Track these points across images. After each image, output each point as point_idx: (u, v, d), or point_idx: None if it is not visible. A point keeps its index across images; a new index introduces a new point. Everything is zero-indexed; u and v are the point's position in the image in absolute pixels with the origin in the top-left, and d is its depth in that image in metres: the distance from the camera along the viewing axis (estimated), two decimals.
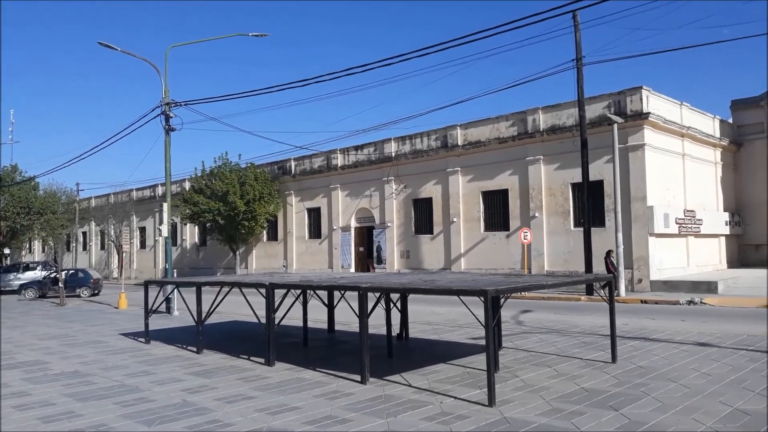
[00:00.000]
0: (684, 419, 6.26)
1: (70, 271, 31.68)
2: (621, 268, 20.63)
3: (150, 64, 22.56)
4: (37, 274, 35.02)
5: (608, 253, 21.17)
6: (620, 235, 20.72)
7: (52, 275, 30.34)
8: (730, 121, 30.05)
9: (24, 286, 30.77)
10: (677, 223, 23.81)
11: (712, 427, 5.96)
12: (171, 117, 21.98)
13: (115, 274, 48.50)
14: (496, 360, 8.89)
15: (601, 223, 23.30)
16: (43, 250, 57.73)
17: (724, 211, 28.27)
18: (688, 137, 25.57)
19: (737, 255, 29.14)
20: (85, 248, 55.33)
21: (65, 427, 6.65)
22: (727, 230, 27.84)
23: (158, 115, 22.24)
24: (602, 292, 10.05)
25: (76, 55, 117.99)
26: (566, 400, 7.15)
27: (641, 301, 19.25)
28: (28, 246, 58.14)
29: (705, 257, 26.22)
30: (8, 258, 55.67)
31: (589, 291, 20.49)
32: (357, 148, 32.91)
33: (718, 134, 28.06)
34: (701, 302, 18.15)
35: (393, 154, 30.77)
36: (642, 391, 7.46)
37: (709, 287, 20.12)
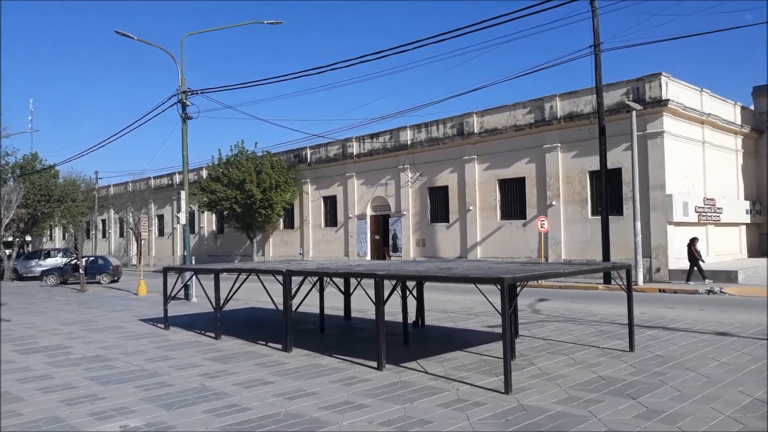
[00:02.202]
0: (702, 408, 6.22)
1: (90, 258, 32.10)
2: (639, 257, 20.46)
3: (166, 53, 22.68)
4: (58, 260, 35.56)
5: (692, 241, 20.32)
6: (638, 224, 20.55)
7: (73, 262, 30.77)
8: (752, 107, 29.53)
9: (45, 273, 31.26)
10: (696, 212, 23.53)
11: (731, 417, 5.92)
12: (188, 105, 22.09)
13: (134, 261, 49.09)
14: (513, 348, 8.88)
15: (619, 211, 23.09)
16: (64, 238, 58.54)
17: (745, 199, 27.87)
18: (708, 124, 25.19)
19: (758, 244, 28.74)
20: (104, 236, 56.03)
21: (87, 410, 6.77)
22: (747, 219, 27.46)
23: (175, 103, 22.38)
24: (620, 280, 9.98)
25: (94, 44, 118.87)
26: (583, 389, 7.13)
27: (659, 290, 19.10)
28: (49, 233, 59.01)
29: (725, 246, 25.90)
30: (30, 245, 56.59)
31: (607, 279, 20.36)
32: (372, 136, 32.87)
33: (739, 121, 27.61)
34: (721, 291, 17.97)
35: (409, 142, 30.69)
36: (660, 380, 7.42)
37: (729, 276, 19.90)
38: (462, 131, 28.51)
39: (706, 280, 19.24)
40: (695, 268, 19.95)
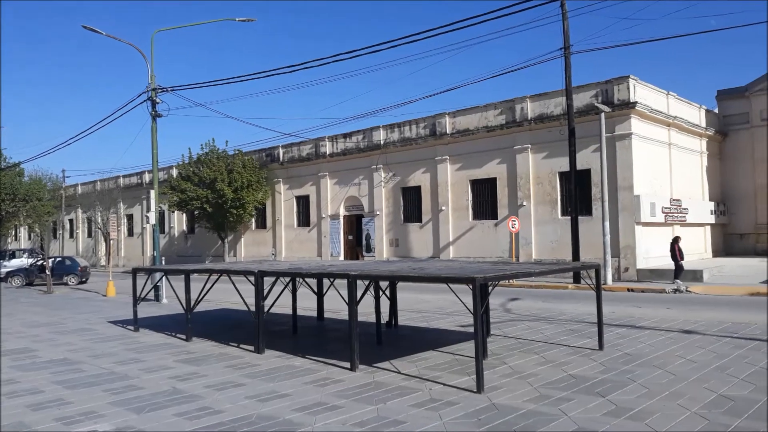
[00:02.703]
0: (669, 405, 6.36)
1: (57, 259, 31.43)
2: (608, 256, 20.80)
3: (136, 49, 22.34)
4: (24, 261, 34.77)
5: (676, 240, 20.23)
6: (607, 224, 20.90)
7: (39, 263, 30.12)
8: (716, 111, 30.29)
9: (10, 274, 30.55)
10: (663, 212, 24.03)
11: (697, 413, 6.06)
12: (157, 103, 21.80)
13: (103, 262, 48.19)
14: (485, 347, 8.96)
15: (588, 211, 23.45)
16: (29, 238, 57.19)
17: (710, 200, 28.55)
18: (675, 127, 25.75)
19: (722, 244, 29.49)
20: (71, 236, 54.89)
21: (55, 414, 6.64)
22: (712, 219, 28.14)
23: (145, 101, 22.07)
24: (589, 280, 10.15)
25: (61, 39, 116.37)
26: (554, 387, 7.24)
27: (628, 290, 19.45)
28: (13, 233, 57.58)
29: (691, 246, 26.46)
30: None
31: (577, 279, 20.67)
32: (345, 135, 32.82)
33: (704, 124, 28.28)
34: (687, 290, 18.38)
35: (382, 142, 30.73)
36: (628, 378, 7.57)
37: (695, 276, 20.35)
38: (435, 132, 28.65)
39: (677, 281, 19.34)
40: (677, 266, 19.99)
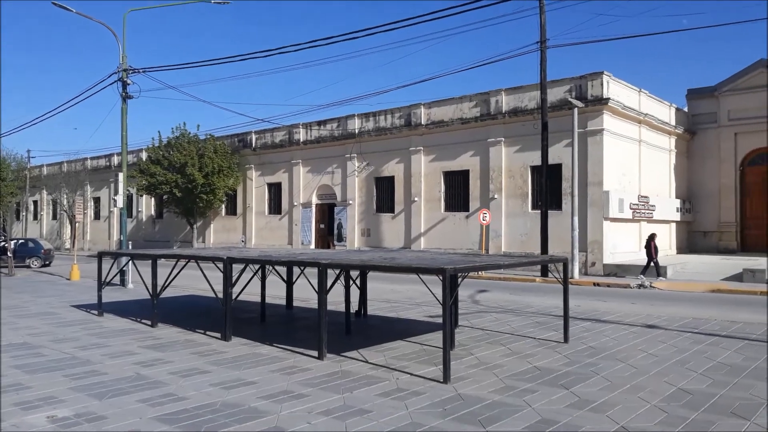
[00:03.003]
0: (630, 397, 6.48)
1: (20, 241, 30.68)
2: (575, 251, 21.09)
3: (107, 28, 21.80)
4: None
5: (652, 237, 20.46)
6: (576, 219, 21.17)
7: (1, 244, 29.36)
8: (686, 109, 30.83)
9: None
10: (631, 209, 24.43)
11: (656, 406, 6.19)
12: (128, 84, 21.35)
13: (68, 245, 47.25)
14: (452, 338, 9.03)
15: (558, 206, 23.73)
16: None
17: (676, 197, 29.11)
18: (645, 124, 26.15)
19: (686, 241, 30.13)
20: (35, 218, 53.64)
21: (12, 399, 6.48)
22: (678, 217, 28.71)
23: (115, 81, 21.59)
24: (557, 273, 10.27)
25: (30, 16, 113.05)
26: (519, 378, 7.32)
27: (594, 284, 19.77)
28: None
29: (657, 242, 27.00)
30: None
31: (544, 273, 20.93)
32: (320, 123, 32.60)
33: (673, 122, 28.77)
34: (651, 286, 18.75)
35: (356, 131, 30.60)
36: (592, 371, 7.69)
37: (659, 272, 20.75)
38: (409, 122, 28.63)
39: (641, 276, 19.72)
40: (652, 262, 20.25)
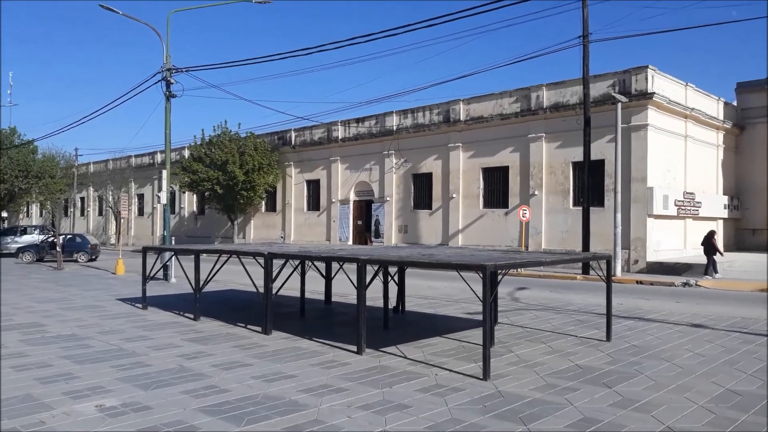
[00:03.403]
0: (676, 398, 6.31)
1: (68, 236, 31.64)
2: (618, 248, 20.66)
3: (152, 29, 22.32)
4: (35, 237, 35.05)
5: (711, 234, 20.01)
6: (619, 216, 20.73)
7: (50, 239, 30.35)
8: (735, 104, 29.86)
9: (21, 250, 30.79)
10: (676, 205, 23.81)
11: (704, 407, 6.02)
12: (172, 83, 21.80)
13: (113, 240, 48.54)
14: (492, 335, 8.95)
15: (600, 203, 23.27)
16: (41, 215, 57.69)
17: (724, 194, 28.24)
18: (692, 119, 25.42)
19: (734, 239, 29.20)
20: (82, 214, 55.30)
21: (62, 389, 6.69)
22: (725, 214, 27.85)
23: (159, 81, 22.08)
24: (599, 271, 10.07)
25: (78, 18, 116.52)
26: (560, 376, 7.21)
27: (637, 282, 19.34)
28: (26, 210, 58.12)
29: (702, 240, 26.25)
30: (6, 221, 55.69)
31: (585, 270, 20.56)
32: (358, 120, 32.70)
33: (721, 117, 27.90)
34: (696, 284, 18.24)
35: (394, 128, 30.59)
36: (635, 370, 7.52)
37: (712, 269, 20.11)
38: (448, 118, 28.47)
39: (716, 274, 19.13)
40: (714, 256, 19.59)
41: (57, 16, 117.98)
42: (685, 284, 18.31)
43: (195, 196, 42.20)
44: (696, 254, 24.67)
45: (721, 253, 19.92)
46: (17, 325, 11.04)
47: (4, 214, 52.37)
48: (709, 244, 19.76)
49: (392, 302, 11.79)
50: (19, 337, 9.78)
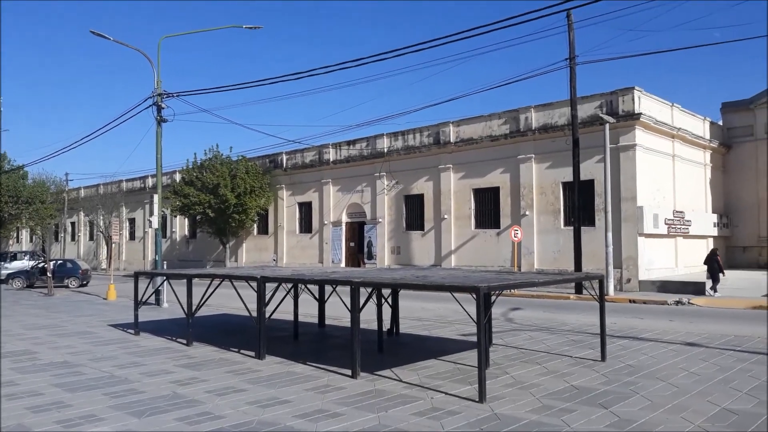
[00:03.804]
0: (673, 418, 6.32)
1: (59, 262, 31.41)
2: (610, 267, 20.74)
3: (143, 54, 22.42)
4: (25, 263, 34.74)
5: (714, 252, 20.15)
6: (610, 235, 20.84)
7: (40, 265, 30.09)
8: (720, 123, 30.28)
9: (11, 276, 30.48)
10: (666, 224, 23.98)
11: (700, 426, 6.02)
12: (163, 108, 21.85)
13: (104, 265, 48.19)
14: (487, 356, 8.92)
15: (591, 222, 23.42)
16: (31, 240, 57.26)
17: (713, 212, 28.50)
18: (679, 138, 25.74)
19: (725, 256, 29.33)
20: (73, 239, 54.93)
21: (54, 417, 6.61)
22: (715, 231, 28.08)
23: (150, 105, 22.11)
24: (592, 290, 10.11)
25: (68, 44, 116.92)
26: (556, 398, 7.19)
27: (630, 301, 19.39)
28: (15, 235, 57.60)
29: (693, 258, 26.42)
30: None
31: (578, 289, 20.60)
32: (349, 143, 32.86)
33: (708, 136, 28.27)
34: (689, 303, 18.30)
35: (385, 150, 30.76)
36: (631, 390, 7.52)
37: (697, 288, 20.26)
38: (438, 140, 28.67)
39: (715, 293, 19.26)
40: (714, 278, 19.67)
41: (48, 41, 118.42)
42: (677, 302, 18.37)
43: (187, 219, 42.07)
44: (687, 272, 24.84)
45: (723, 273, 19.93)
46: (8, 352, 10.90)
47: None
48: (714, 260, 19.80)
49: (386, 324, 11.75)
50: (10, 365, 9.66)
